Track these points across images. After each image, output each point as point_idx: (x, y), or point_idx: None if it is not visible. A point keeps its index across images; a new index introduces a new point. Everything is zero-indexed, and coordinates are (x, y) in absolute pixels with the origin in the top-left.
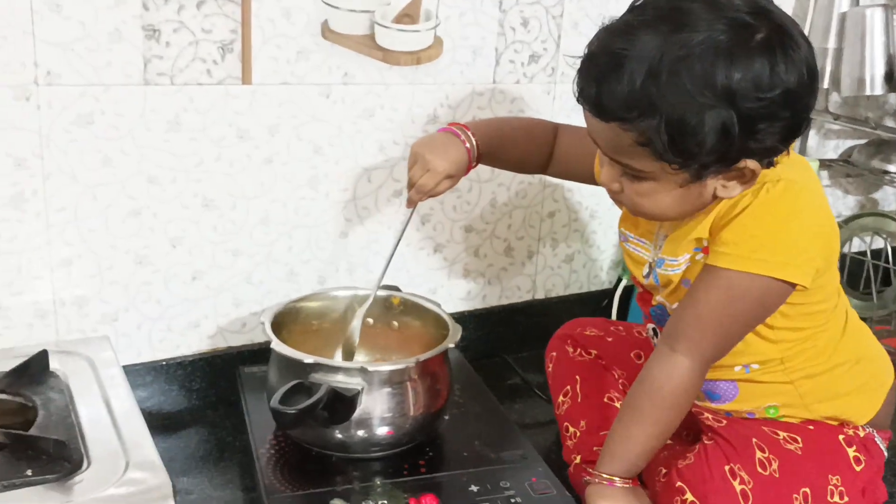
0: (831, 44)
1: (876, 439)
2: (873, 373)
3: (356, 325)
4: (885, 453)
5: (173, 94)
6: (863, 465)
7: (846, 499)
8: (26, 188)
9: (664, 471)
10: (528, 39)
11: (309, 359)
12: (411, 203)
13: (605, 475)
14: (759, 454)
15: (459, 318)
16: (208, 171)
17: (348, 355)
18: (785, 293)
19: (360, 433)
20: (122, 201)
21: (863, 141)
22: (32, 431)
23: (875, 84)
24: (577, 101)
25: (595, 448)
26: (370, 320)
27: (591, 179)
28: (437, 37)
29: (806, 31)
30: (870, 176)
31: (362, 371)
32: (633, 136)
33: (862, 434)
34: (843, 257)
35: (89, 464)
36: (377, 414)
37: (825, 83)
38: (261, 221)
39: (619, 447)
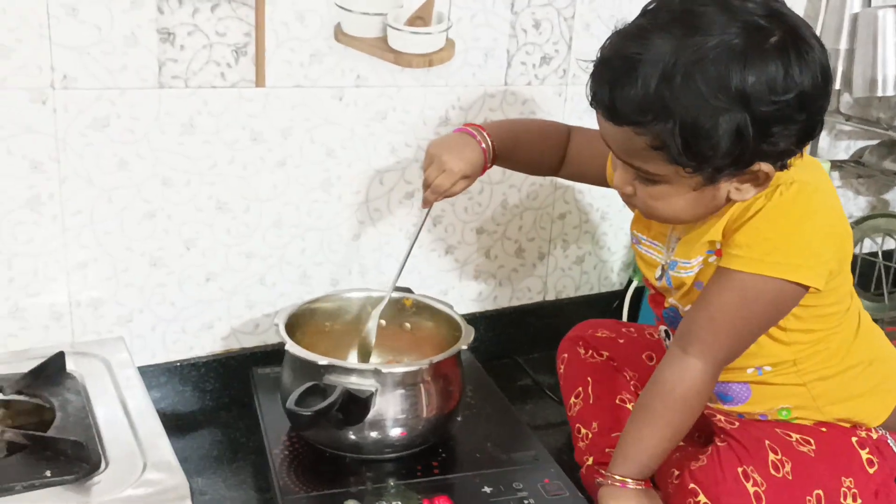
0: (843, 45)
1: (889, 441)
2: (886, 375)
3: (372, 326)
4: None
5: (187, 98)
6: (876, 467)
7: (859, 501)
8: (43, 191)
9: (677, 472)
10: (540, 41)
11: (323, 360)
12: (427, 203)
13: (617, 477)
14: (771, 456)
15: (471, 319)
16: (222, 173)
17: (364, 356)
18: (798, 295)
19: (374, 434)
20: (137, 204)
21: (874, 142)
22: (51, 433)
23: (887, 85)
24: (591, 105)
25: (607, 449)
26: (383, 322)
27: (603, 182)
28: (449, 39)
29: (818, 33)
30: (881, 177)
31: (376, 373)
32: (646, 139)
33: (875, 436)
34: (854, 258)
35: (107, 465)
36: (390, 415)
37: (837, 84)
38: (274, 224)
39: (631, 449)
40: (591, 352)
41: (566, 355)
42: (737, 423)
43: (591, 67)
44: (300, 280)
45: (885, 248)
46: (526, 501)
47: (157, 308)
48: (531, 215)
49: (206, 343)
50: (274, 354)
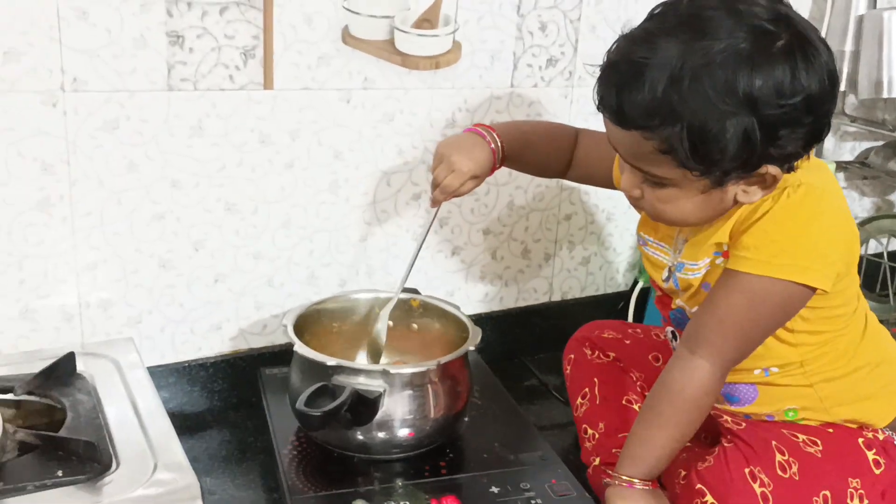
0: (848, 46)
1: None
2: (893, 376)
3: (381, 327)
4: None
5: (196, 100)
6: (882, 468)
7: (866, 502)
8: (53, 193)
9: (684, 473)
10: (546, 43)
11: (332, 361)
12: (435, 203)
13: (624, 477)
14: (778, 457)
15: (477, 320)
16: (230, 175)
17: (375, 357)
18: (806, 297)
19: (382, 435)
20: (147, 206)
21: (879, 143)
22: (62, 433)
23: (893, 86)
24: (598, 109)
25: (614, 450)
26: (391, 323)
27: (610, 184)
28: (456, 41)
29: (823, 34)
30: (886, 178)
31: (384, 373)
32: (654, 143)
33: (882, 437)
34: (859, 259)
35: (118, 465)
36: (398, 416)
37: (842, 86)
38: (282, 225)
39: (638, 449)
40: (597, 352)
41: (573, 356)
42: (744, 424)
43: (597, 72)
44: (308, 281)
45: (891, 249)
46: (533, 501)
47: (166, 309)
48: (537, 216)
49: (214, 344)
50: (282, 355)
